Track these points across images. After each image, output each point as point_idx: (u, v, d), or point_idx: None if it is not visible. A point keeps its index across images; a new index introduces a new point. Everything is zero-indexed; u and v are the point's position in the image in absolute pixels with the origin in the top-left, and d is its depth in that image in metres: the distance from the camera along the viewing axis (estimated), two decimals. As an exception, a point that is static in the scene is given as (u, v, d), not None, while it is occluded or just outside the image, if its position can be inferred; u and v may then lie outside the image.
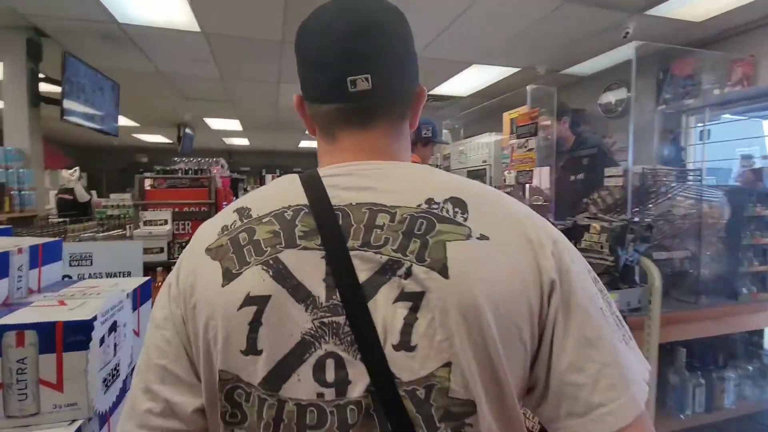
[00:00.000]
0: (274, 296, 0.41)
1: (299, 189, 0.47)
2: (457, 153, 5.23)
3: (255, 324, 0.41)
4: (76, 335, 0.60)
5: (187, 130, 6.97)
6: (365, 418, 0.40)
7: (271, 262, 0.42)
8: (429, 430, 0.40)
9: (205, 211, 2.94)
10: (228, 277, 0.43)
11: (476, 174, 5.03)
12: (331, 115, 0.50)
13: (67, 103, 3.01)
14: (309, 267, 0.42)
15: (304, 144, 9.49)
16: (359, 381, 0.40)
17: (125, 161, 9.71)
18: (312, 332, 0.41)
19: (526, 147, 1.82)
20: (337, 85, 0.47)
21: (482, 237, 0.42)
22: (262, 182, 10.68)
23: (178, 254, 2.84)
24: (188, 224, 2.94)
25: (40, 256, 0.79)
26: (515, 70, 4.11)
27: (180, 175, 2.98)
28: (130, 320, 0.77)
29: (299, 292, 0.42)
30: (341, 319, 0.41)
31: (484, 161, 5.08)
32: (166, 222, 2.81)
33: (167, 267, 2.69)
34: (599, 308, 0.44)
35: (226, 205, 1.94)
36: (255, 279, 0.42)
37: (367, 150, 0.50)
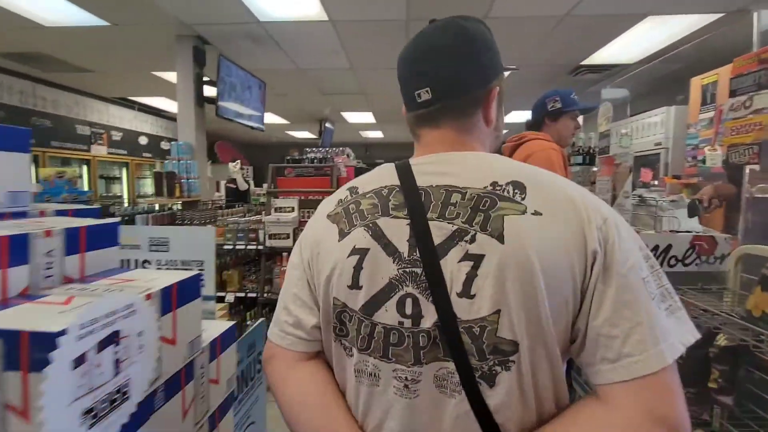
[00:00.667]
0: (372, 250, 0.57)
1: (394, 173, 0.61)
2: (619, 136, 4.26)
3: (358, 267, 0.57)
4: (40, 352, 0.44)
5: (327, 125, 7.46)
6: (432, 344, 0.53)
7: (370, 225, 0.58)
8: (480, 358, 0.51)
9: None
10: (342, 234, 0.59)
11: (647, 160, 4.00)
12: (412, 120, 0.66)
13: (222, 102, 3.37)
14: (397, 231, 0.56)
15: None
16: (429, 316, 0.53)
17: (281, 155, 11.07)
18: (397, 278, 0.55)
19: (748, 108, 1.18)
20: (411, 97, 0.63)
21: (536, 213, 0.52)
22: (395, 174, 10.84)
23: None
24: (311, 212, 2.99)
25: (83, 240, 0.68)
26: (713, 17, 3.04)
27: (306, 164, 3.05)
28: (152, 327, 0.61)
29: (389, 248, 0.56)
30: (419, 270, 0.54)
31: (658, 144, 4.00)
32: (292, 209, 2.90)
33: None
34: (641, 278, 0.50)
35: None
36: (359, 236, 0.58)
37: (442, 143, 0.63)
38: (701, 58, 3.66)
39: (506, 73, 3.52)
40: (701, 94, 3.53)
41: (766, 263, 0.90)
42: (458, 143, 0.62)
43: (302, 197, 2.97)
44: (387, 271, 0.55)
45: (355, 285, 0.56)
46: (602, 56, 3.93)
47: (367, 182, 0.64)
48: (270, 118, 7.43)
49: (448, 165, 0.59)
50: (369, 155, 11.94)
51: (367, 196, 0.61)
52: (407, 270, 0.54)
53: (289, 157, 3.15)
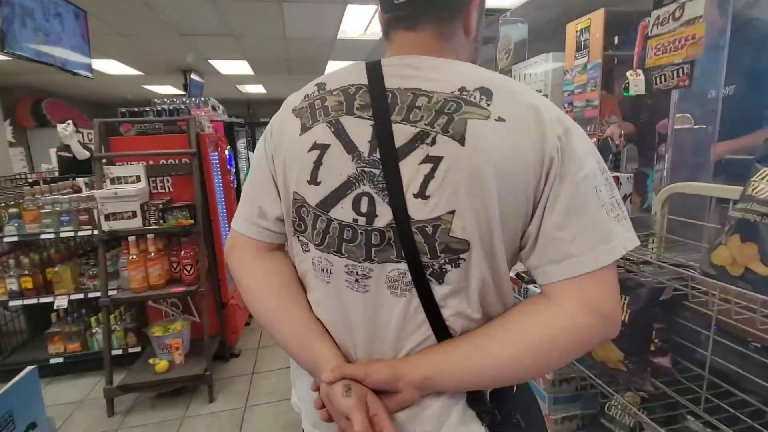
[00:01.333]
0: (332, 146, 0.56)
1: (363, 72, 0.58)
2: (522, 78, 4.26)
3: (317, 163, 0.56)
4: None
5: (194, 76, 6.29)
6: (386, 245, 0.54)
7: (333, 122, 0.57)
8: (431, 256, 0.53)
9: (186, 163, 2.30)
10: (303, 129, 0.59)
11: (528, 107, 4.09)
12: (388, 22, 0.62)
13: (10, 31, 2.35)
14: (360, 130, 0.55)
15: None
16: (383, 217, 0.54)
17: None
18: (355, 176, 0.55)
19: (678, 19, 1.00)
20: None
21: (500, 119, 0.52)
22: (283, 134, 10.02)
23: (156, 219, 2.21)
24: (168, 181, 2.33)
25: None
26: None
27: (152, 117, 2.32)
28: None
29: (350, 147, 0.55)
30: (377, 171, 0.54)
31: (539, 91, 4.11)
32: (138, 179, 2.21)
33: (142, 236, 2.13)
34: (593, 186, 0.52)
35: (216, 155, 2.35)
36: (321, 132, 0.57)
37: (417, 47, 0.59)
38: (574, 4, 3.73)
39: None
40: (575, 40, 3.65)
41: (736, 204, 0.71)
42: (434, 49, 0.60)
43: (151, 162, 2.28)
44: (345, 169, 0.55)
45: (313, 180, 0.57)
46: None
47: (335, 79, 0.61)
48: (117, 67, 5.95)
49: (419, 68, 0.57)
50: (252, 113, 10.75)
51: (333, 93, 0.59)
52: (365, 170, 0.54)
53: (125, 110, 2.37)
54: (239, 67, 6.30)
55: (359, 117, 0.55)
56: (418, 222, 0.52)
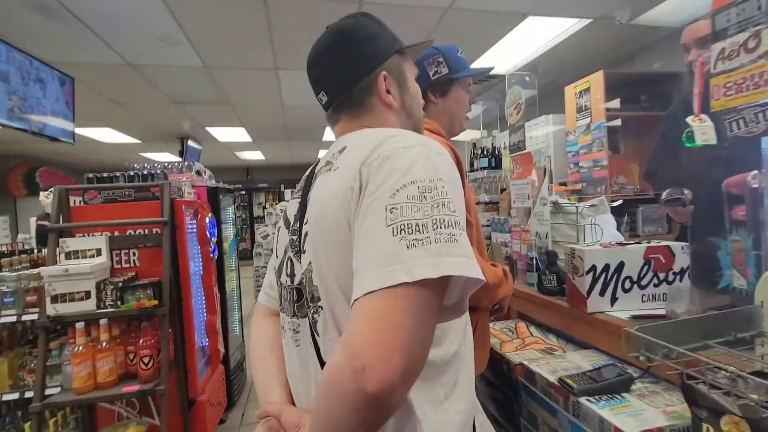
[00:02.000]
0: (281, 225, 0.72)
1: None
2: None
3: (276, 240, 0.74)
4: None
5: (191, 143, 6.28)
6: (298, 301, 0.64)
7: (284, 206, 0.74)
8: (310, 303, 0.60)
9: (158, 233, 2.03)
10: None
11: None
12: (328, 124, 0.76)
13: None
14: (293, 208, 0.69)
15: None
16: (297, 276, 0.63)
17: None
18: (287, 245, 0.68)
19: (753, 50, 0.79)
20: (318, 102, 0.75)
21: (337, 168, 0.61)
22: (280, 198, 9.97)
23: (114, 299, 1.88)
24: (134, 254, 2.04)
25: None
26: (583, 23, 3.04)
27: (123, 182, 2.09)
28: None
29: (287, 222, 0.70)
30: (295, 237, 0.65)
31: (538, 151, 3.99)
32: (99, 252, 1.92)
33: (94, 321, 1.78)
34: (384, 205, 0.50)
35: (194, 223, 2.37)
36: (282, 216, 0.73)
37: (342, 133, 0.72)
38: (569, 69, 3.75)
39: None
40: (575, 102, 3.61)
41: None
42: (356, 127, 0.69)
43: (116, 233, 2.01)
44: (284, 241, 0.69)
45: (275, 254, 0.73)
46: (482, 64, 3.80)
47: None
48: (112, 135, 5.95)
49: (335, 147, 0.68)
50: (251, 179, 10.78)
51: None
52: (291, 238, 0.66)
53: (91, 175, 2.14)
54: (237, 134, 6.31)
55: (295, 198, 0.71)
56: (304, 274, 0.61)
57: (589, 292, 1.20)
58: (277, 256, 0.71)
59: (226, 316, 2.73)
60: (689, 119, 0.87)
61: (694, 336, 0.70)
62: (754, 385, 0.62)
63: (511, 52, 3.55)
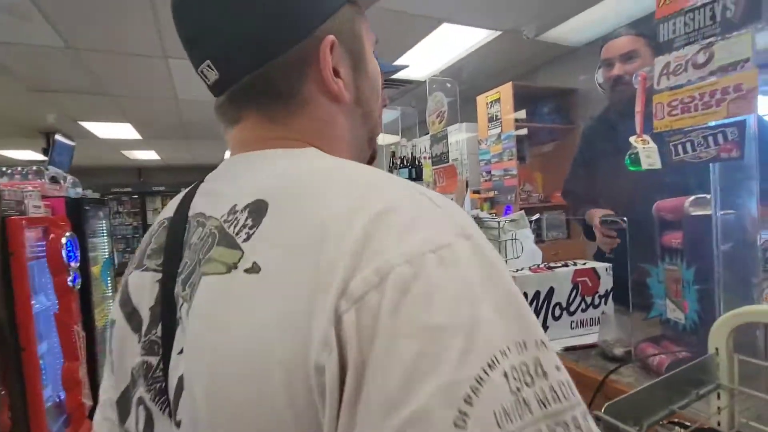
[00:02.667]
0: (117, 322, 0.39)
1: (180, 197, 0.41)
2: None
3: (109, 350, 0.40)
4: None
5: (60, 138, 5.22)
6: None
7: (122, 285, 0.41)
8: None
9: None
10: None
11: (447, 176, 4.00)
12: (216, 118, 0.43)
13: None
14: (145, 291, 0.37)
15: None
16: None
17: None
18: (135, 370, 0.36)
19: (704, 65, 0.69)
20: (201, 79, 0.40)
21: (252, 268, 0.28)
22: (181, 203, 8.95)
23: None
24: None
25: None
26: (493, 35, 3.10)
27: None
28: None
29: (133, 320, 0.37)
30: (155, 360, 0.34)
31: (455, 160, 4.04)
32: None
33: None
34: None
35: (42, 246, 1.63)
36: (115, 302, 0.41)
37: (243, 145, 0.40)
38: (482, 78, 3.85)
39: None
40: (486, 112, 3.71)
41: None
42: (272, 140, 0.39)
43: None
44: (132, 358, 0.37)
45: (112, 367, 0.41)
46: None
47: (160, 216, 0.43)
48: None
49: (220, 178, 0.40)
50: (144, 182, 9.51)
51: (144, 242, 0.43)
52: (144, 358, 0.35)
53: None
54: (121, 130, 5.43)
55: (146, 269, 0.38)
56: None
57: None
58: (111, 379, 0.41)
59: (95, 359, 2.20)
60: (632, 140, 0.78)
61: (660, 400, 0.59)
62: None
63: (428, 58, 3.51)
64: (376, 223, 0.26)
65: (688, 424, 0.63)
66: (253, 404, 0.25)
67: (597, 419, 0.51)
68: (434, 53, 3.41)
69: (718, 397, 0.65)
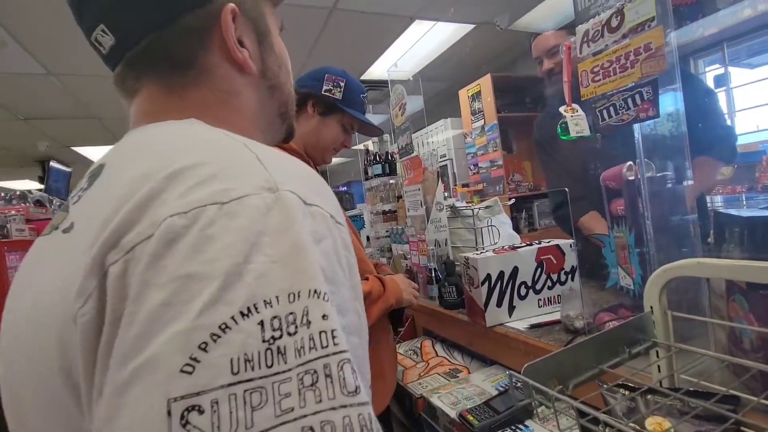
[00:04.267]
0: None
1: None
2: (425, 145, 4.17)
3: None
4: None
5: (56, 165, 5.30)
6: None
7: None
8: None
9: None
10: None
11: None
12: (116, 89, 0.42)
13: None
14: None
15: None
16: None
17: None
18: None
19: (617, 30, 0.70)
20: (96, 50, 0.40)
21: (68, 228, 0.30)
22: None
23: None
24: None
25: None
26: (466, 29, 3.11)
27: None
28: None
29: None
30: None
31: (443, 156, 4.06)
32: None
33: None
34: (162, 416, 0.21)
35: None
36: None
37: (142, 120, 0.39)
38: (461, 74, 3.87)
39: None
40: (469, 105, 3.72)
41: None
42: (164, 113, 0.37)
43: None
44: None
45: None
46: (379, 71, 3.74)
47: None
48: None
49: (110, 153, 0.37)
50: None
51: None
52: None
53: None
54: (115, 153, 5.50)
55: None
56: None
57: (486, 304, 1.10)
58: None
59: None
60: (561, 109, 0.79)
61: (588, 360, 0.60)
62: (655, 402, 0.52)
63: (404, 58, 3.53)
64: (168, 180, 0.26)
65: (640, 385, 0.63)
66: (36, 361, 0.26)
67: (516, 382, 0.52)
68: (412, 51, 3.43)
69: (657, 355, 0.65)
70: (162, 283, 0.23)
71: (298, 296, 0.24)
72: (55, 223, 0.32)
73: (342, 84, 1.12)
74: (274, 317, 0.23)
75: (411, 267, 1.60)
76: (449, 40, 3.30)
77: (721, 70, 2.62)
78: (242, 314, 0.22)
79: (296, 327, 0.23)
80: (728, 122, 2.37)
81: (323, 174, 5.31)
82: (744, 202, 2.52)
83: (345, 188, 6.30)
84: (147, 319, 0.22)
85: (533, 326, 1.06)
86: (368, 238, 2.30)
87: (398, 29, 2.96)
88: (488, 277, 1.10)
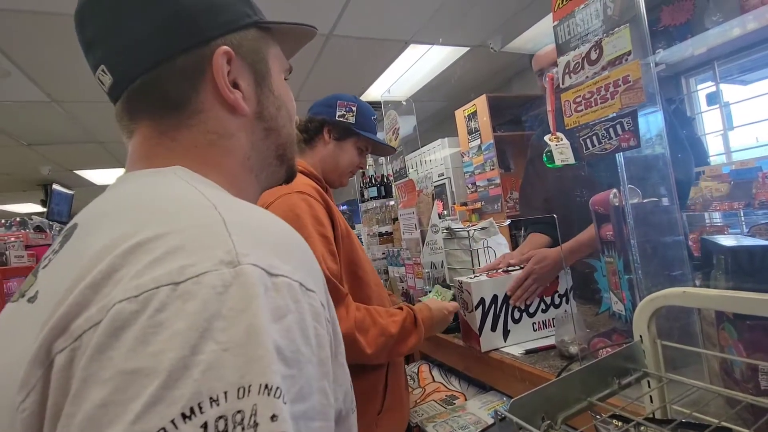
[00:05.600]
0: None
1: None
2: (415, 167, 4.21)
3: None
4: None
5: (58, 188, 5.36)
6: None
7: None
8: None
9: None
10: None
11: (435, 192, 4.02)
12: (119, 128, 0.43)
13: None
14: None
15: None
16: None
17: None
18: None
19: (597, 62, 0.72)
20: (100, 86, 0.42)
21: (33, 297, 0.29)
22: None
23: None
24: None
25: None
26: (461, 51, 3.18)
27: None
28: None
29: None
30: None
31: (441, 175, 4.08)
32: None
33: None
34: None
35: None
36: None
37: (132, 162, 0.40)
38: (457, 94, 3.93)
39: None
40: (465, 125, 3.77)
41: None
42: (152, 158, 0.39)
43: None
44: None
45: None
46: (375, 93, 3.81)
47: None
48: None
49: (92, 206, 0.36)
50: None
51: None
52: None
53: None
54: (118, 174, 5.55)
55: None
56: None
57: (480, 329, 1.09)
58: None
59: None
60: (546, 138, 0.80)
61: (578, 392, 0.59)
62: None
63: (401, 80, 3.60)
64: (128, 255, 0.25)
65: (632, 418, 0.62)
66: None
67: (501, 417, 0.51)
68: (409, 73, 3.49)
69: (649, 385, 0.64)
70: (104, 380, 0.21)
71: (248, 391, 0.22)
72: (23, 288, 0.31)
73: (354, 108, 1.15)
74: (220, 417, 0.21)
75: (408, 290, 1.59)
76: (444, 63, 3.36)
77: (713, 88, 2.65)
78: (184, 416, 0.21)
79: (243, 429, 0.21)
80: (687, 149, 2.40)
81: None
82: (742, 218, 2.52)
83: (345, 206, 6.32)
84: (83, 423, 0.21)
85: (529, 351, 1.05)
86: (366, 260, 2.29)
87: (394, 53, 3.02)
88: (482, 301, 1.09)
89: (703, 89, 2.75)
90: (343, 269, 0.96)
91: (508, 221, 2.27)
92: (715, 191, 2.66)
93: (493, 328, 1.10)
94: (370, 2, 2.28)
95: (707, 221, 2.60)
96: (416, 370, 1.45)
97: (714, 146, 2.70)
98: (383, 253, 1.80)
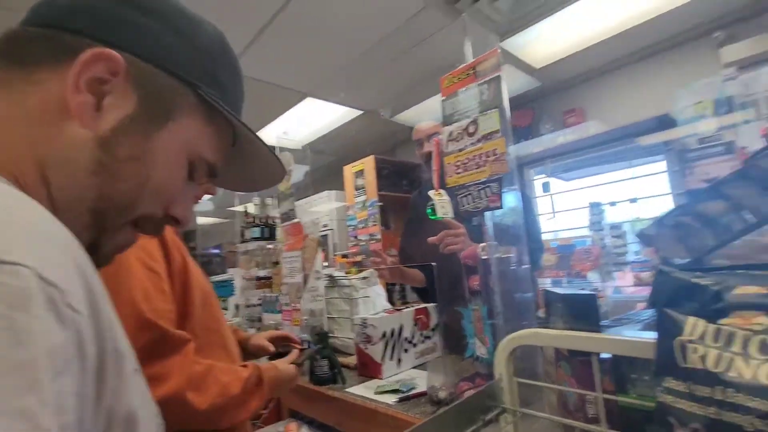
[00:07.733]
0: None
1: None
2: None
3: None
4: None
5: None
6: None
7: None
8: None
9: None
10: None
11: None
12: None
13: None
14: None
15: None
16: None
17: None
18: None
19: (473, 135, 0.86)
20: None
21: None
22: None
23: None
24: None
25: None
26: (354, 113, 3.42)
27: None
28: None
29: None
30: None
31: (325, 226, 4.11)
32: None
33: None
34: None
35: None
36: None
37: None
38: (349, 151, 4.14)
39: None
40: (353, 181, 3.95)
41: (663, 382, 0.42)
42: None
43: None
44: None
45: None
46: (268, 136, 3.77)
47: None
48: None
49: None
50: None
51: None
52: None
53: None
54: None
55: None
56: None
57: (383, 358, 1.23)
58: None
59: None
60: (431, 193, 0.90)
61: (450, 429, 0.62)
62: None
63: (299, 128, 3.65)
64: None
65: None
66: None
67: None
68: (304, 124, 3.57)
69: (507, 421, 0.71)
70: None
71: None
72: None
73: None
74: None
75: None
76: (339, 120, 3.55)
77: (547, 179, 3.34)
78: None
79: None
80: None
81: (192, 233, 4.81)
82: (566, 283, 3.11)
83: (217, 250, 5.80)
84: None
85: (401, 399, 1.07)
86: (237, 307, 2.10)
87: (292, 101, 3.09)
88: (384, 334, 1.24)
89: (538, 179, 3.44)
90: (189, 307, 0.80)
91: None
92: (546, 261, 3.21)
93: (391, 358, 1.25)
94: (274, 48, 2.33)
95: (540, 286, 3.12)
96: (282, 430, 1.33)
97: (545, 225, 3.32)
98: (259, 299, 1.69)
